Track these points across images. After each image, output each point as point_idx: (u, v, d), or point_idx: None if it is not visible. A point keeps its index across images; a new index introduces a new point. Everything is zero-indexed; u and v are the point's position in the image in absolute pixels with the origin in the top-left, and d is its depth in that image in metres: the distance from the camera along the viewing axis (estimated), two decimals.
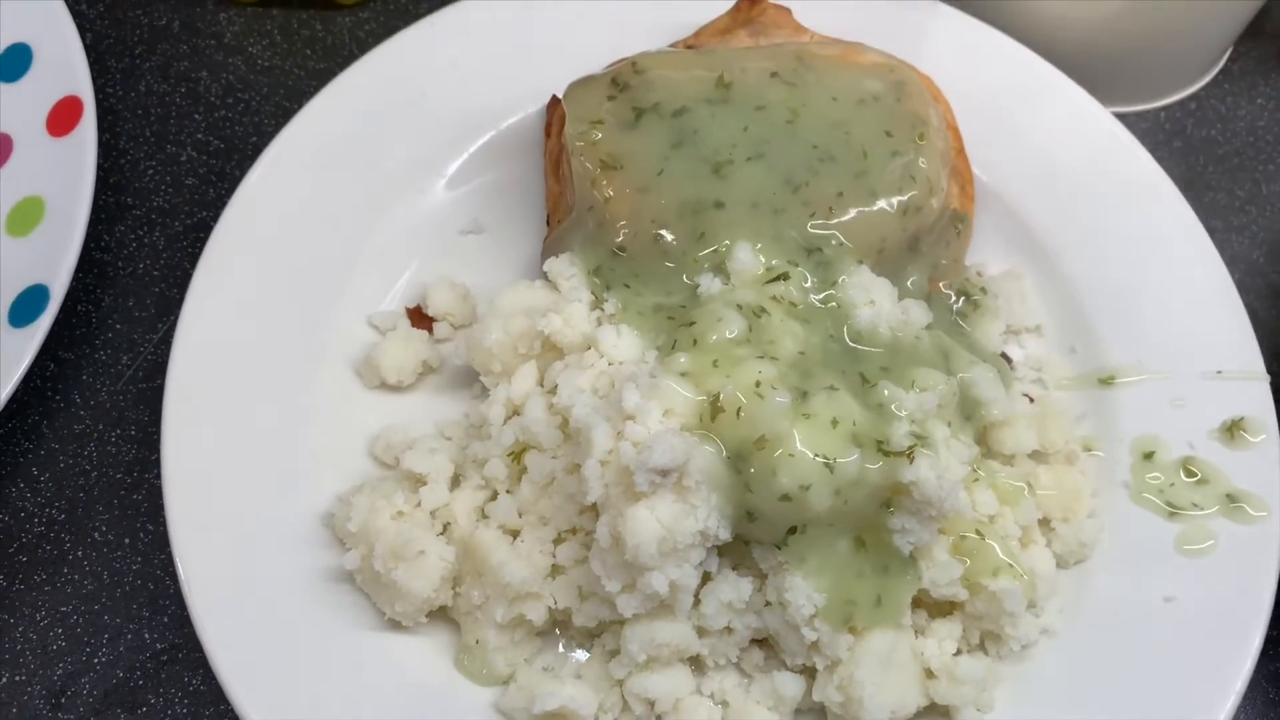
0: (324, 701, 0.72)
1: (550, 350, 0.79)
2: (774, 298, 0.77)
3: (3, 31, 0.92)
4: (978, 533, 0.75)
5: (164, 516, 0.76)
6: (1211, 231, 0.92)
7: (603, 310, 0.79)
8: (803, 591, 0.71)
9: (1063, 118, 0.94)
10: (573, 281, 0.81)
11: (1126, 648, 0.76)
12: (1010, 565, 0.75)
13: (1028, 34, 0.97)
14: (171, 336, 0.86)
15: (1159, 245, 0.89)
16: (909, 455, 0.70)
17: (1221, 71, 1.07)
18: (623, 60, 0.89)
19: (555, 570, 0.74)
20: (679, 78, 0.84)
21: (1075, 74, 0.95)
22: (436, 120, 0.91)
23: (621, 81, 0.84)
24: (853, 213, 0.80)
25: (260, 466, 0.78)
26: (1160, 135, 1.03)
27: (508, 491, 0.77)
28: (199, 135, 0.96)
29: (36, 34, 0.91)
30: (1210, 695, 0.74)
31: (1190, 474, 0.81)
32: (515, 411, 0.79)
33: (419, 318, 0.87)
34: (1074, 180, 0.92)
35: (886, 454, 0.70)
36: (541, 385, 0.79)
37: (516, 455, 0.77)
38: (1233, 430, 0.82)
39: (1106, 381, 0.86)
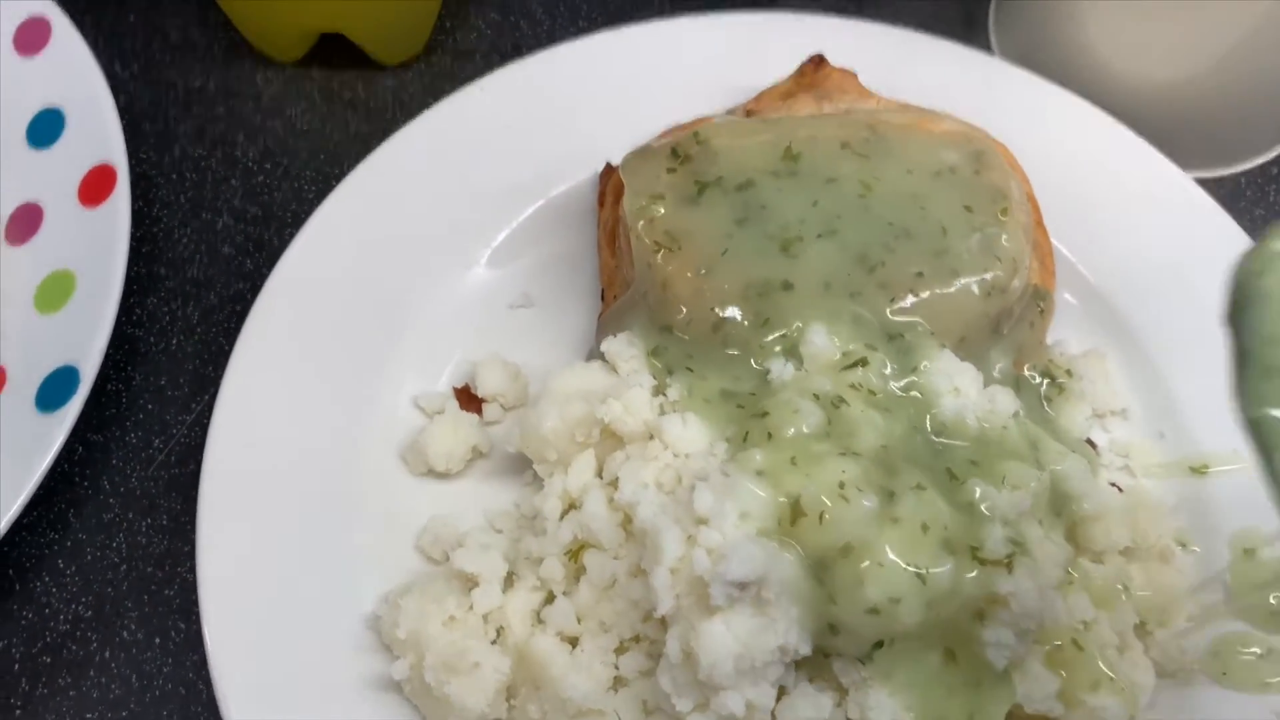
0: None
1: (610, 438, 0.74)
2: (852, 386, 0.71)
3: (35, 95, 0.88)
4: (1074, 642, 0.70)
5: (196, 614, 0.71)
6: None
7: (665, 396, 0.74)
8: (889, 709, 0.65)
9: (1142, 185, 0.89)
10: (632, 364, 0.76)
11: None
12: (1111, 678, 0.69)
13: (1103, 96, 0.92)
14: (205, 418, 0.82)
15: None
16: (1007, 564, 0.64)
17: None
18: (682, 128, 0.85)
19: (618, 682, 0.69)
20: (744, 149, 0.80)
21: (1152, 137, 0.90)
22: (485, 188, 0.87)
23: (682, 153, 0.79)
24: (932, 293, 0.75)
25: (300, 561, 0.73)
26: (1242, 202, 0.98)
27: (565, 594, 0.71)
28: (236, 202, 0.92)
29: (69, 98, 0.87)
30: None
31: None
32: (572, 505, 0.74)
33: (468, 399, 0.82)
34: (1155, 252, 0.87)
35: (983, 562, 0.65)
36: (600, 477, 0.74)
37: (574, 554, 0.72)
38: None
39: (1199, 470, 0.80)
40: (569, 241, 0.87)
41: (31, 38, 0.89)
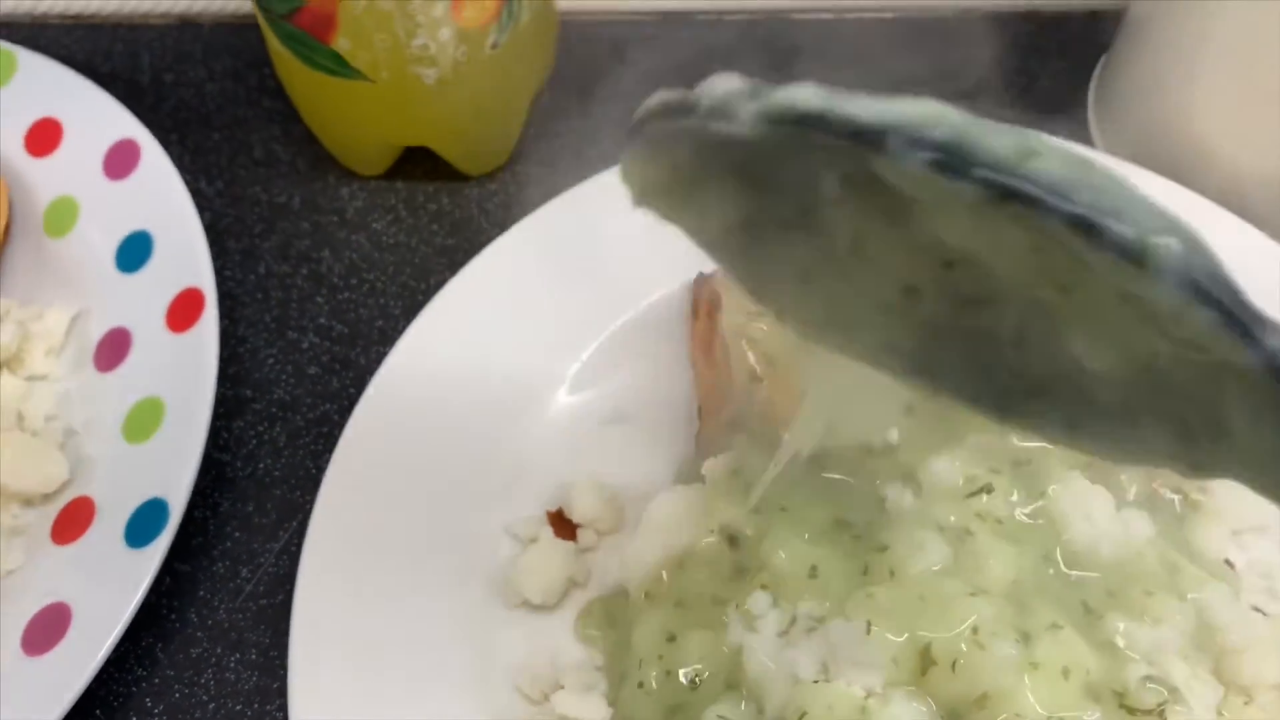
0: None
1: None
2: (977, 514, 0.67)
3: (124, 219, 0.88)
4: None
5: None
6: None
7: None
8: None
9: (1265, 283, 0.84)
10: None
11: None
12: None
13: (1215, 191, 0.88)
14: (293, 545, 0.80)
15: None
16: (1159, 714, 0.59)
17: None
18: None
19: None
20: None
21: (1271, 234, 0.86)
22: (573, 302, 0.85)
23: None
24: None
25: (394, 700, 0.70)
26: None
27: None
28: (321, 320, 0.91)
29: (158, 221, 0.87)
30: None
31: None
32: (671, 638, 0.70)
33: (561, 524, 0.79)
34: None
35: (1131, 711, 0.60)
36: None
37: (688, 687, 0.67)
38: None
39: None
40: (661, 356, 0.85)
41: (121, 161, 0.89)
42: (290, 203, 0.97)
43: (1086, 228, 0.37)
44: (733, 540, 0.69)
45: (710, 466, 0.74)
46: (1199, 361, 0.41)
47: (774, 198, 0.47)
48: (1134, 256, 0.37)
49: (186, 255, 0.85)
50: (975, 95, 0.98)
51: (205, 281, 0.83)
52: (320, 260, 0.94)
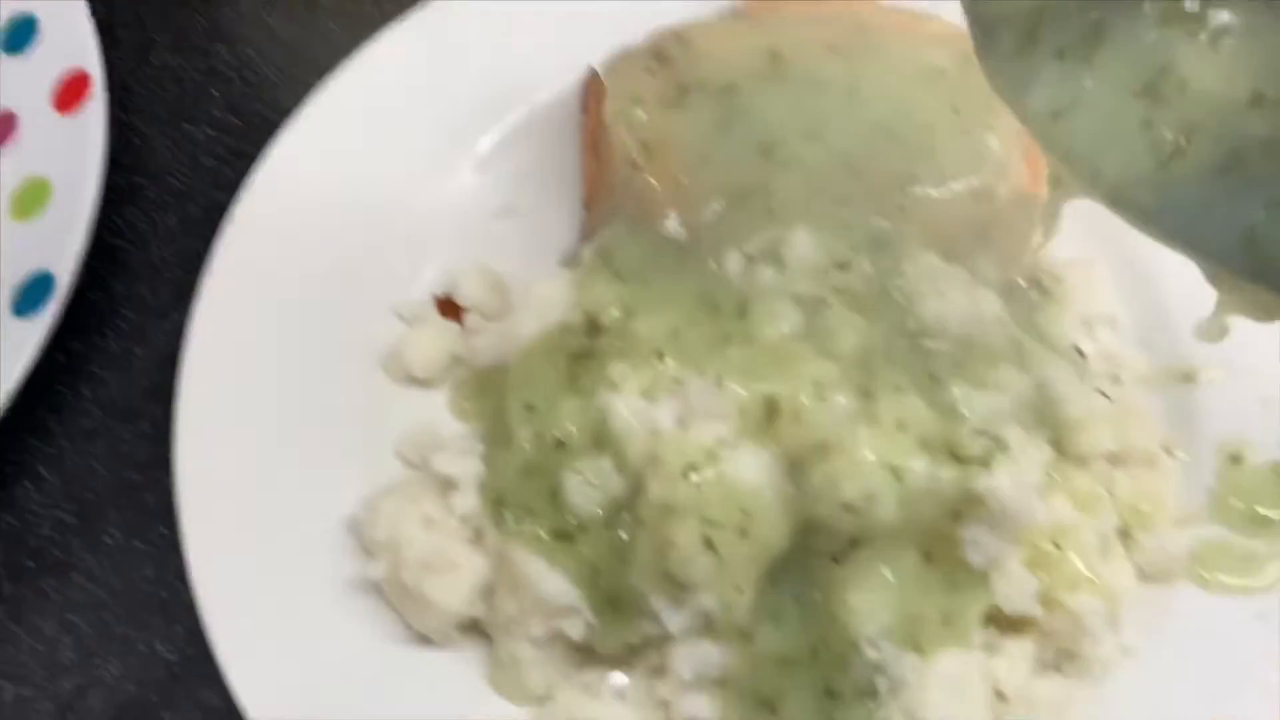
0: (351, 716, 0.67)
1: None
2: (834, 288, 0.71)
3: (7, 2, 0.86)
4: (1054, 544, 0.69)
5: (178, 519, 0.72)
6: None
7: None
8: (864, 608, 0.65)
9: None
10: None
11: (1214, 668, 0.70)
12: (1090, 580, 0.69)
13: None
14: (186, 326, 0.82)
15: None
16: (983, 463, 0.64)
17: None
18: (667, 30, 0.83)
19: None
20: (728, 52, 0.78)
21: None
22: (467, 96, 0.85)
23: (664, 55, 0.78)
24: (918, 197, 0.74)
25: (280, 466, 0.73)
26: None
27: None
28: (216, 112, 0.91)
29: (42, 4, 0.86)
30: None
31: None
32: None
33: (448, 308, 0.81)
34: None
35: (959, 460, 0.64)
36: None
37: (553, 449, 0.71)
38: None
39: (1188, 377, 0.80)
40: (553, 149, 0.86)
41: None
42: None
43: None
44: (596, 315, 0.71)
45: (586, 249, 0.76)
46: None
47: None
48: None
49: (72, 37, 0.84)
50: None
51: (92, 62, 0.83)
52: (216, 54, 0.93)
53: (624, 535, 0.67)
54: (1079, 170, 0.50)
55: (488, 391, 0.76)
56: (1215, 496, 0.75)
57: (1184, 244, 0.50)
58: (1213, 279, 0.54)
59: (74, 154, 0.80)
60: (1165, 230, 0.50)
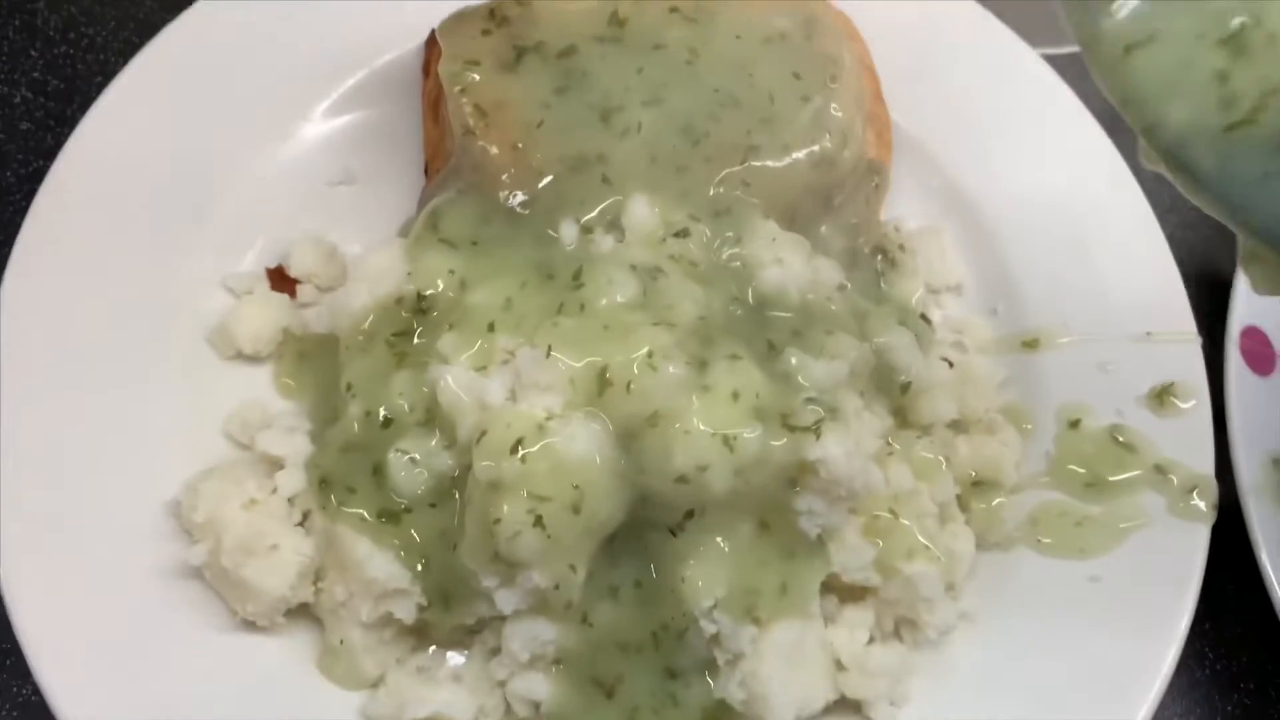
0: (171, 711, 0.64)
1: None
2: (671, 257, 0.69)
3: None
4: (891, 512, 0.70)
5: None
6: (1145, 183, 0.87)
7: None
8: (701, 581, 0.64)
9: (987, 59, 0.88)
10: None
11: (1050, 631, 0.71)
12: (926, 547, 0.69)
13: None
14: None
15: (1088, 199, 0.84)
16: (815, 431, 0.63)
17: None
18: None
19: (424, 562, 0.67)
20: (567, 12, 0.76)
21: (1004, 13, 0.88)
22: (302, 56, 0.82)
23: (500, 14, 0.75)
24: (758, 163, 0.72)
25: (98, 449, 0.69)
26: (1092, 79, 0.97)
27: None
28: (35, 74, 0.86)
29: None
30: (1136, 677, 0.69)
31: (1118, 443, 0.76)
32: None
33: (280, 280, 0.78)
34: (998, 127, 0.86)
35: (791, 429, 0.63)
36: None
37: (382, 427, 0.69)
38: (1162, 396, 0.77)
39: (1030, 345, 0.80)
40: (393, 114, 0.83)
41: None
42: None
43: None
44: (425, 286, 0.69)
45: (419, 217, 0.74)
46: None
47: None
48: None
49: None
50: None
51: None
52: (35, 12, 0.88)
53: (452, 514, 0.65)
54: (1138, 116, 0.46)
55: (312, 365, 0.73)
56: (1054, 461, 0.76)
57: (1233, 215, 0.47)
58: (1249, 258, 0.51)
59: None
60: (1216, 197, 0.46)
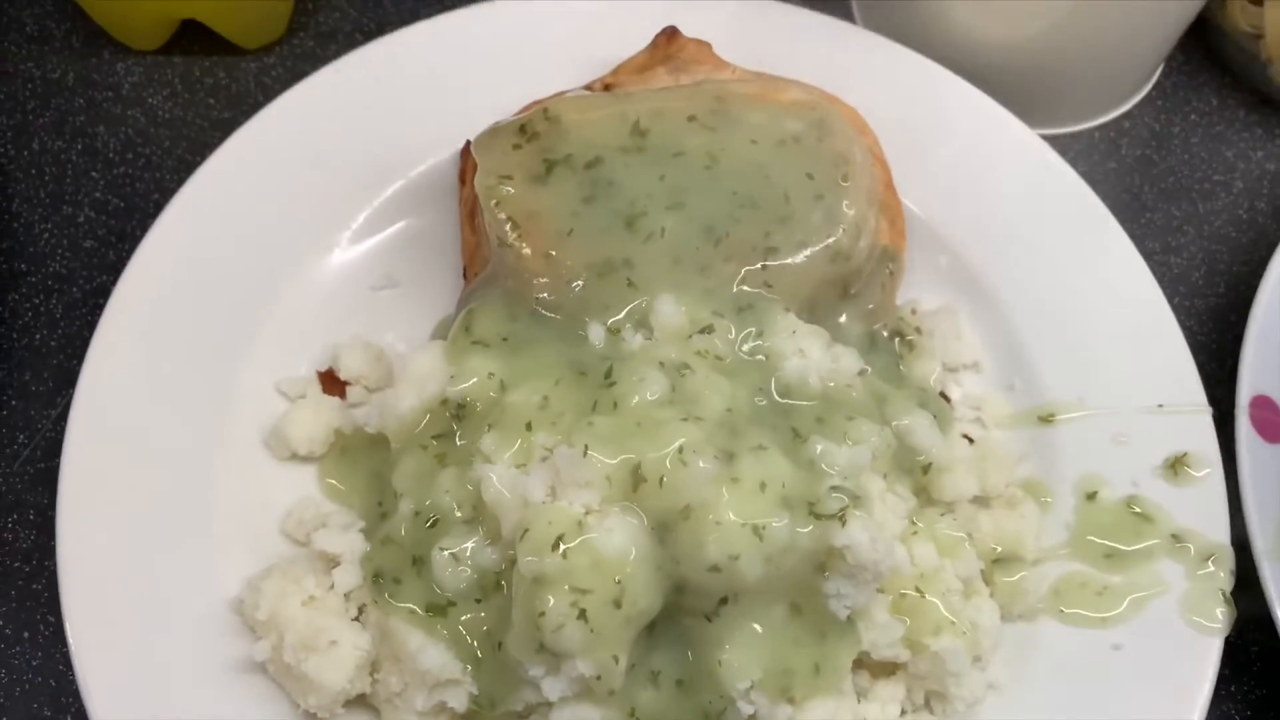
0: None
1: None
2: (698, 353, 0.73)
3: None
4: (917, 589, 0.73)
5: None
6: (1149, 254, 0.91)
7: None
8: (737, 663, 0.68)
9: (993, 145, 0.92)
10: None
11: (1076, 699, 0.74)
12: (952, 622, 0.72)
13: (953, 58, 0.94)
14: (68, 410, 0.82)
15: (1095, 275, 0.87)
16: (840, 518, 0.67)
17: (1154, 87, 1.05)
18: (535, 104, 0.86)
19: (477, 652, 0.70)
20: (591, 124, 0.80)
21: (1004, 97, 0.92)
22: (345, 170, 0.87)
23: (531, 130, 0.80)
24: (777, 261, 0.77)
25: (164, 550, 0.74)
26: (1095, 156, 1.01)
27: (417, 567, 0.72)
28: (97, 194, 0.92)
29: None
30: None
31: (1135, 514, 0.79)
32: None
33: (331, 382, 0.83)
34: (1007, 210, 0.90)
35: (817, 517, 0.67)
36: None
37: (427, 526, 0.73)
38: (1176, 466, 0.80)
39: (1047, 419, 0.83)
40: (431, 221, 0.88)
41: None
42: (64, 78, 0.96)
43: None
44: (466, 389, 0.73)
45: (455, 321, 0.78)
46: None
47: None
48: None
49: None
50: None
51: None
52: (96, 135, 0.94)
53: (499, 607, 0.69)
54: None
55: (355, 464, 0.78)
56: (1073, 533, 0.79)
57: None
58: None
59: None
60: None
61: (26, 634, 0.77)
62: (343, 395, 0.82)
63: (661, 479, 0.66)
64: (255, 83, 0.97)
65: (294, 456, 0.79)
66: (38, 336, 0.86)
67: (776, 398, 0.74)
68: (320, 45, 0.99)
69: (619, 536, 0.65)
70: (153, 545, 0.74)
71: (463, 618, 0.70)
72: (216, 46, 0.97)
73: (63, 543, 0.72)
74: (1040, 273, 0.88)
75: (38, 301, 0.88)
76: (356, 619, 0.72)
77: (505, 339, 0.75)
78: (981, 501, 0.80)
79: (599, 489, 0.67)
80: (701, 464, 0.66)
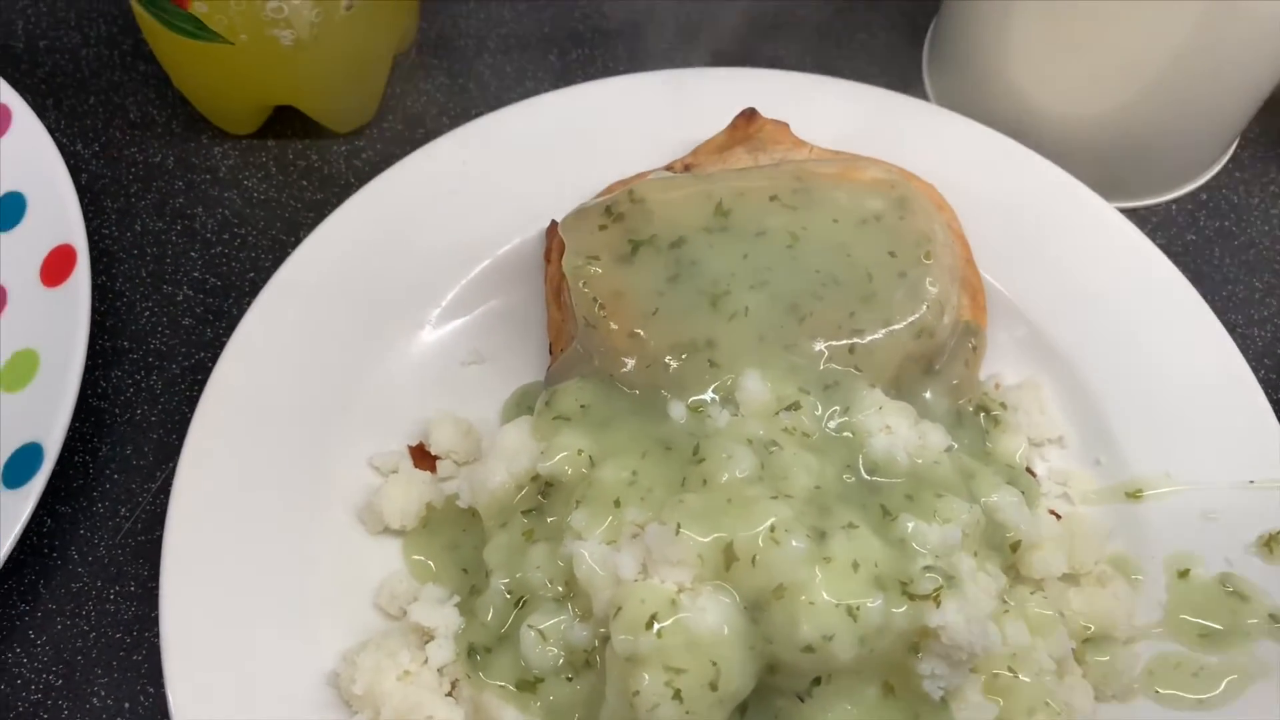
0: None
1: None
2: (785, 429, 0.74)
3: None
4: (1010, 669, 0.72)
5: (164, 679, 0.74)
6: (1233, 328, 0.90)
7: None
8: None
9: (1071, 218, 0.92)
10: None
11: None
12: (1047, 703, 0.71)
13: (1027, 134, 0.95)
14: (170, 485, 0.84)
15: (1178, 348, 0.87)
16: (935, 598, 0.67)
17: (1231, 160, 1.05)
18: (619, 185, 0.88)
19: None
20: (675, 205, 0.82)
21: (1081, 172, 0.93)
22: (434, 250, 0.90)
23: (616, 211, 0.82)
24: (862, 339, 0.77)
25: (262, 622, 0.76)
26: (1173, 229, 1.01)
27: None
28: (195, 273, 0.95)
29: (30, 182, 0.90)
30: None
31: (1229, 592, 0.78)
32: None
33: (421, 456, 0.85)
34: (1087, 283, 0.90)
35: (911, 597, 0.67)
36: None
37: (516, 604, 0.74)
38: (1270, 544, 0.79)
39: (1134, 495, 0.83)
40: (517, 298, 0.90)
41: None
42: (165, 162, 1.01)
43: None
44: (554, 466, 0.74)
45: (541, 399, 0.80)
46: None
47: None
48: None
49: (59, 214, 0.88)
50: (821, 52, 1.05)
51: (77, 238, 0.87)
52: (194, 216, 0.98)
53: (590, 684, 0.69)
54: None
55: (438, 539, 0.80)
56: (1167, 612, 0.78)
57: None
58: None
59: (61, 326, 0.84)
60: None
61: (128, 705, 0.79)
62: (433, 469, 0.84)
63: (754, 558, 0.67)
64: (346, 165, 1.00)
65: (385, 530, 0.81)
66: (138, 412, 0.89)
67: (864, 475, 0.74)
68: (408, 128, 1.02)
69: (712, 615, 0.66)
70: (251, 618, 0.76)
71: (553, 695, 0.70)
72: (309, 130, 1.01)
73: (166, 616, 0.74)
74: (1123, 346, 0.88)
75: (139, 378, 0.91)
76: (449, 694, 0.73)
77: (593, 417, 0.76)
78: (1070, 579, 0.79)
79: (691, 567, 0.67)
80: (794, 543, 0.67)
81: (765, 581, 0.66)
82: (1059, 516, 0.82)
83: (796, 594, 0.66)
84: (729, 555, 0.67)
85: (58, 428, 0.80)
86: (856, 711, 0.68)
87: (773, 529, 0.67)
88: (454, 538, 0.81)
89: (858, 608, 0.66)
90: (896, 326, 0.78)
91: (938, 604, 0.66)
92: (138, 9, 0.90)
